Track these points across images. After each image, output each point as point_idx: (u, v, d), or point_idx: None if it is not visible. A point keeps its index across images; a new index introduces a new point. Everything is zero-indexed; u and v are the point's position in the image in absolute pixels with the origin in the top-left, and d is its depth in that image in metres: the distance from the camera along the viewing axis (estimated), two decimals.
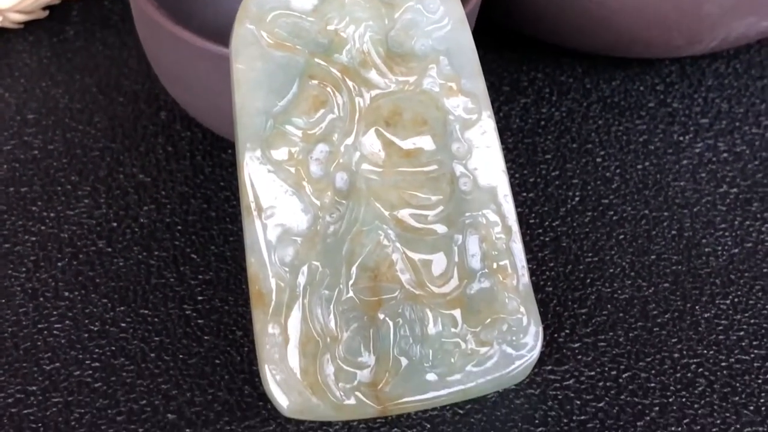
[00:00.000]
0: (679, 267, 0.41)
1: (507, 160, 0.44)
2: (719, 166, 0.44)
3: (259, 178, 0.36)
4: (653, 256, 0.41)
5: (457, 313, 0.36)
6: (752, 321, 0.40)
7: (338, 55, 0.36)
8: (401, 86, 0.37)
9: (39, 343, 0.38)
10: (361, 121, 0.36)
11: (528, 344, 0.37)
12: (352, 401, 0.35)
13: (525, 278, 0.37)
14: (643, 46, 0.45)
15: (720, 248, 0.42)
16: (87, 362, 0.38)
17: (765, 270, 0.41)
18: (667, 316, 0.40)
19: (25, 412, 0.36)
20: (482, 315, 0.37)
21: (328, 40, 0.37)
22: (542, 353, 0.38)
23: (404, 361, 0.36)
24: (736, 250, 0.42)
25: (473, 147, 0.37)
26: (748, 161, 0.45)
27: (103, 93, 0.46)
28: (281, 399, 0.35)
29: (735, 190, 0.44)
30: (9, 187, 0.42)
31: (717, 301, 0.40)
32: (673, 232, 0.42)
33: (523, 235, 0.42)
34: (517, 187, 0.43)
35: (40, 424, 0.36)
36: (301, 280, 0.35)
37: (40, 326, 0.38)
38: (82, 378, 0.37)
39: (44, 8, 0.48)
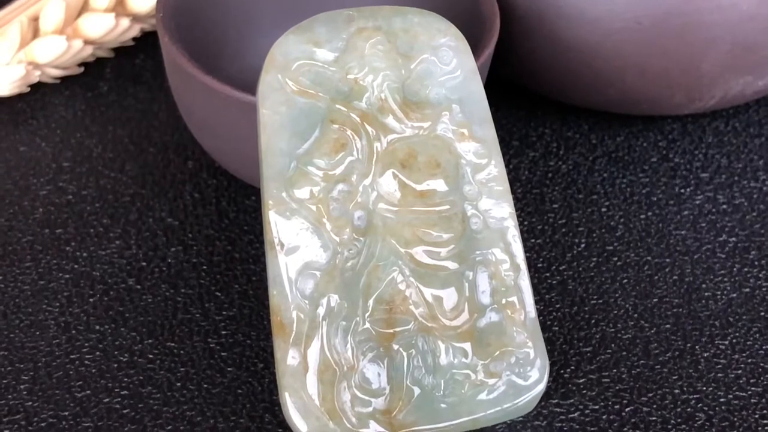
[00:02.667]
0: (680, 309, 0.43)
1: (516, 209, 0.46)
2: (719, 217, 0.47)
3: (282, 215, 0.38)
4: (655, 299, 0.43)
5: (467, 345, 0.38)
6: (749, 360, 0.41)
7: (358, 101, 0.39)
8: (416, 131, 0.39)
9: (71, 372, 0.40)
10: (378, 163, 0.39)
11: (535, 377, 0.39)
12: (367, 427, 0.37)
13: (532, 314, 0.39)
14: (646, 104, 0.48)
15: (719, 293, 0.44)
16: (116, 390, 0.40)
17: (762, 313, 0.43)
18: (668, 354, 0.42)
19: None
20: (491, 348, 0.39)
21: (349, 88, 0.39)
22: (549, 387, 0.40)
23: (417, 390, 0.38)
24: (735, 295, 0.44)
25: (483, 189, 0.39)
26: (746, 213, 0.47)
27: (134, 143, 0.48)
28: (300, 424, 0.37)
29: (734, 239, 0.46)
30: (45, 228, 0.45)
31: (716, 342, 0.42)
32: (675, 277, 0.44)
33: (532, 277, 0.44)
34: (526, 234, 0.46)
35: None
36: (320, 311, 0.38)
37: (72, 356, 0.41)
38: (111, 405, 0.39)
39: (79, 65, 0.51)
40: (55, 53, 0.49)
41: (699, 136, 0.50)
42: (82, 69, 0.51)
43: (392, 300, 0.38)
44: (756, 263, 0.45)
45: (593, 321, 0.43)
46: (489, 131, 0.40)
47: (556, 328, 0.42)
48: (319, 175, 0.38)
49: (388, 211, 0.38)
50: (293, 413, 0.37)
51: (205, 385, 0.40)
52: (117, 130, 0.49)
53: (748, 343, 0.42)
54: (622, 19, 0.45)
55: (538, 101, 0.51)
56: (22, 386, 0.40)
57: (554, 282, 0.44)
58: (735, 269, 0.45)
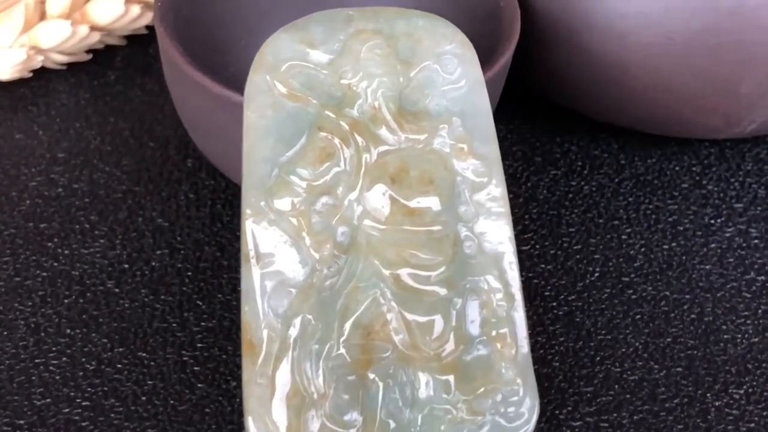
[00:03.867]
0: (695, 352, 0.40)
1: (529, 231, 0.43)
2: (749, 252, 0.43)
3: (259, 226, 0.35)
4: (669, 339, 0.40)
5: (450, 378, 0.35)
6: (765, 413, 0.38)
7: (349, 109, 0.36)
8: (410, 144, 0.36)
9: (33, 378, 0.38)
10: (366, 176, 0.36)
11: (523, 417, 0.36)
12: None
13: (525, 349, 0.36)
14: (679, 126, 0.44)
15: (740, 336, 0.40)
16: (78, 400, 0.37)
17: None
18: (676, 401, 0.38)
19: None
20: (477, 383, 0.35)
21: (342, 94, 0.36)
22: (540, 429, 0.37)
23: (392, 424, 0.35)
24: (757, 339, 0.40)
25: (481, 211, 0.36)
26: None
27: (134, 137, 0.46)
28: None
29: (762, 278, 0.42)
30: (29, 222, 0.43)
31: (730, 390, 0.39)
32: (693, 315, 0.41)
33: (536, 307, 0.41)
34: (536, 258, 0.42)
35: None
36: (293, 332, 0.35)
37: (37, 361, 0.38)
38: (70, 416, 0.37)
39: (88, 51, 0.49)
40: (59, 38, 0.46)
41: (737, 163, 0.46)
42: (90, 56, 0.49)
43: (371, 325, 0.35)
44: None
45: (598, 358, 0.39)
46: (492, 148, 0.37)
47: (557, 364, 0.39)
48: (302, 185, 0.36)
49: (374, 228, 0.36)
50: None
51: (172, 402, 0.37)
52: (119, 122, 0.47)
53: (766, 393, 0.39)
54: (652, 34, 0.41)
55: (567, 116, 0.48)
56: None
57: (561, 313, 0.41)
58: (760, 311, 0.41)
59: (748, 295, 0.42)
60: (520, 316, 0.36)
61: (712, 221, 0.44)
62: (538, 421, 0.37)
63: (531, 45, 0.44)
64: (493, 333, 0.36)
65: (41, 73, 0.48)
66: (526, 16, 0.43)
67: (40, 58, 0.47)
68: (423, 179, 0.36)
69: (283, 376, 0.35)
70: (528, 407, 0.36)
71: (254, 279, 0.35)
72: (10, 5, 0.47)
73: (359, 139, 0.36)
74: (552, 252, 0.43)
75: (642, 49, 0.42)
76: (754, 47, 0.41)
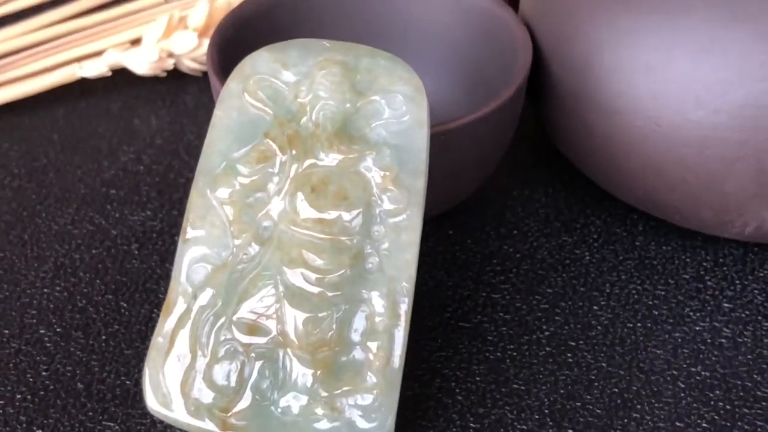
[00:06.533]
0: (596, 420, 0.41)
1: (508, 282, 0.46)
2: (708, 349, 0.43)
3: (199, 208, 0.41)
4: (578, 403, 0.41)
5: (319, 373, 0.39)
6: None
7: (296, 123, 0.41)
8: (337, 162, 0.41)
9: (34, 302, 0.46)
10: (292, 182, 0.41)
11: (375, 422, 0.39)
12: (201, 418, 0.40)
13: (396, 365, 0.39)
14: (677, 213, 0.45)
15: (649, 417, 0.41)
16: (54, 326, 0.45)
17: None
18: None
19: None
20: (342, 383, 0.39)
21: (296, 109, 0.41)
22: None
23: (257, 399, 0.39)
24: (663, 425, 0.40)
25: (390, 235, 0.40)
26: (740, 353, 0.43)
27: None
28: (149, 396, 0.40)
29: (707, 373, 0.42)
30: (103, 187, 0.51)
31: None
32: (615, 389, 0.42)
33: (472, 347, 0.43)
34: (499, 307, 0.45)
35: None
36: (199, 301, 0.40)
37: (45, 290, 0.46)
38: (41, 336, 0.44)
39: None
40: (188, 47, 0.55)
41: (752, 268, 0.46)
42: None
43: (261, 310, 0.40)
44: (711, 403, 0.41)
45: (501, 403, 0.41)
46: (418, 183, 0.40)
47: (460, 398, 0.42)
48: (240, 181, 0.41)
49: (288, 228, 0.40)
50: (147, 385, 0.40)
51: (123, 345, 0.44)
52: None
53: None
54: (642, 117, 0.43)
55: (606, 193, 0.49)
56: None
57: (492, 357, 0.43)
58: (684, 402, 0.41)
59: (682, 385, 0.42)
60: (400, 335, 0.39)
61: (691, 313, 0.44)
62: None
63: (552, 111, 0.47)
64: (371, 344, 0.39)
65: (178, 75, 0.57)
66: (547, 81, 0.46)
67: (171, 61, 0.55)
68: (339, 194, 0.40)
69: (182, 337, 0.40)
70: (382, 415, 0.39)
71: (184, 251, 0.41)
72: (162, 13, 0.56)
73: (294, 150, 0.41)
74: (517, 305, 0.45)
75: (633, 130, 0.43)
76: (738, 147, 0.42)
